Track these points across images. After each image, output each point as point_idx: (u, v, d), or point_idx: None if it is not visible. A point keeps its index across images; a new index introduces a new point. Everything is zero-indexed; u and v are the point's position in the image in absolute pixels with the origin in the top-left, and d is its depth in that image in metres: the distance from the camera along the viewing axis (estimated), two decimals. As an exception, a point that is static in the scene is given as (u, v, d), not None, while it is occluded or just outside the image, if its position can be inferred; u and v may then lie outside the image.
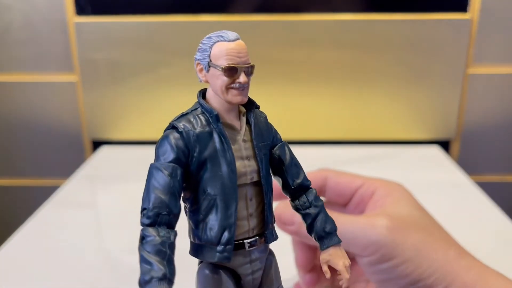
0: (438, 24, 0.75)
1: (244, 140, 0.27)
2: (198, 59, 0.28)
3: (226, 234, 0.26)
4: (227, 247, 0.26)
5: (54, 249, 0.52)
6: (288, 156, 0.29)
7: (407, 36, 0.76)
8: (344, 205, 0.42)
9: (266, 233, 0.28)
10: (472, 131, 0.82)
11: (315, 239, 0.29)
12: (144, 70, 0.78)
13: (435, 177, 0.70)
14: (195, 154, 0.26)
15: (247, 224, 0.27)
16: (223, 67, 0.26)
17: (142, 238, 0.24)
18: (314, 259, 0.41)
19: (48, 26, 0.77)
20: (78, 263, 0.49)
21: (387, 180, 0.41)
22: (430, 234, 0.35)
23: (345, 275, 0.28)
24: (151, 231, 0.24)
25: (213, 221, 0.26)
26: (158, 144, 0.27)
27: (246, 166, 0.27)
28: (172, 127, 0.27)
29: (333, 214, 0.36)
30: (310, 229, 0.29)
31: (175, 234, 0.25)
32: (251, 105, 0.29)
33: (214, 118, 0.26)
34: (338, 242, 0.29)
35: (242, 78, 0.26)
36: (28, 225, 0.57)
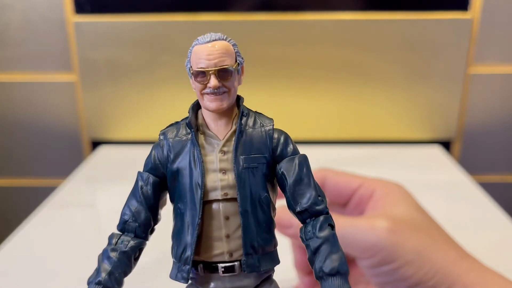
0: (439, 24, 0.75)
1: (222, 151, 0.25)
2: (186, 67, 0.26)
3: (186, 252, 0.24)
4: (185, 266, 0.24)
5: (54, 249, 0.52)
6: (294, 172, 0.25)
7: (408, 35, 0.76)
8: (343, 205, 0.42)
9: (243, 259, 0.24)
10: (473, 131, 0.81)
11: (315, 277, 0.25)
12: (144, 69, 0.78)
13: (436, 177, 0.69)
14: (168, 165, 0.25)
15: (222, 246, 0.24)
16: (192, 71, 0.25)
17: (107, 241, 0.26)
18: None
19: (47, 25, 0.77)
20: (78, 263, 0.49)
21: (386, 180, 0.40)
22: (431, 236, 0.35)
23: None
24: (114, 236, 0.26)
25: (178, 236, 0.25)
26: None
27: (218, 180, 0.24)
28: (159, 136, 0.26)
29: (333, 215, 0.35)
30: (310, 263, 0.25)
31: (137, 244, 0.25)
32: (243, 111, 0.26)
33: (188, 125, 0.25)
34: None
35: (212, 82, 0.24)
36: (27, 225, 0.57)
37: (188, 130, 0.25)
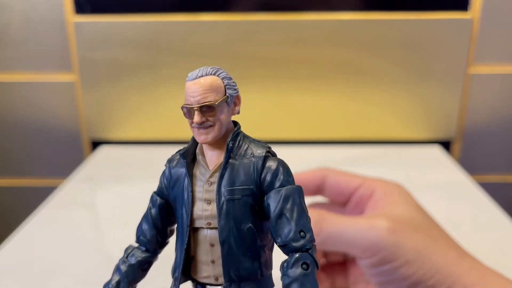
0: (439, 24, 0.75)
1: (209, 182, 0.26)
2: None
3: (176, 273, 0.26)
4: (174, 284, 0.26)
5: (54, 249, 0.52)
6: (277, 205, 0.24)
7: (407, 35, 0.76)
8: (343, 204, 0.42)
9: (224, 286, 0.25)
10: (473, 131, 0.81)
11: None
12: (144, 69, 0.78)
13: (436, 177, 0.69)
14: (169, 190, 0.27)
15: (209, 270, 0.26)
16: (181, 108, 0.26)
17: (124, 251, 0.29)
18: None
19: (47, 25, 0.77)
20: (77, 263, 0.49)
21: (386, 180, 0.40)
22: (431, 236, 0.35)
23: None
24: (129, 248, 0.28)
25: (175, 256, 0.27)
26: None
27: (203, 209, 0.26)
28: None
29: (332, 215, 0.36)
30: None
31: (145, 257, 0.28)
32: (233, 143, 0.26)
33: (182, 155, 0.27)
34: None
35: (196, 118, 0.25)
36: (27, 225, 0.57)
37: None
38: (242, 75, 0.77)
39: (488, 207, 0.60)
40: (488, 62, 0.78)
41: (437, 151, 0.80)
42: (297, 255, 0.24)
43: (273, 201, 0.24)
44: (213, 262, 0.26)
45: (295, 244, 0.24)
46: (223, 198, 0.25)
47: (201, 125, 0.25)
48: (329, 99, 0.80)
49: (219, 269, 0.25)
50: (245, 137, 0.27)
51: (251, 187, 0.25)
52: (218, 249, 0.25)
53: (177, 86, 0.78)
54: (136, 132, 0.82)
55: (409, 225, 0.35)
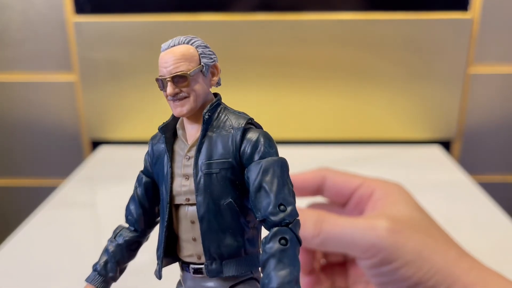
0: (439, 24, 0.75)
1: (187, 157, 0.25)
2: None
3: (158, 251, 0.26)
4: (157, 263, 0.26)
5: (54, 249, 0.52)
6: (256, 177, 0.23)
7: (407, 35, 0.76)
8: (343, 205, 0.42)
9: (205, 264, 0.24)
10: (473, 131, 0.81)
11: None
12: (144, 69, 0.78)
13: (436, 177, 0.69)
14: (152, 168, 0.27)
15: (192, 248, 0.25)
16: (156, 80, 0.25)
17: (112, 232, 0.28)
18: (313, 262, 0.40)
19: (47, 25, 0.76)
20: (77, 263, 0.49)
21: (385, 180, 0.40)
22: (431, 236, 0.35)
23: None
24: (118, 228, 0.28)
25: (158, 234, 0.26)
26: None
27: (181, 185, 0.25)
28: None
29: (332, 215, 0.35)
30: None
31: (132, 237, 0.27)
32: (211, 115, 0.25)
33: (160, 130, 0.26)
34: None
35: (168, 89, 0.24)
36: (27, 225, 0.57)
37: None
38: (242, 75, 0.77)
39: (488, 207, 0.60)
40: (488, 62, 0.78)
41: (437, 151, 0.79)
42: (275, 229, 0.22)
43: (253, 174, 0.23)
44: (194, 240, 0.24)
45: (273, 218, 0.22)
46: (200, 173, 0.24)
47: (175, 97, 0.24)
48: (329, 99, 0.80)
49: (200, 247, 0.24)
50: (226, 108, 0.25)
51: (230, 160, 0.24)
52: (198, 226, 0.24)
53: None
54: (136, 132, 0.82)
55: (409, 226, 0.35)
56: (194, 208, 0.24)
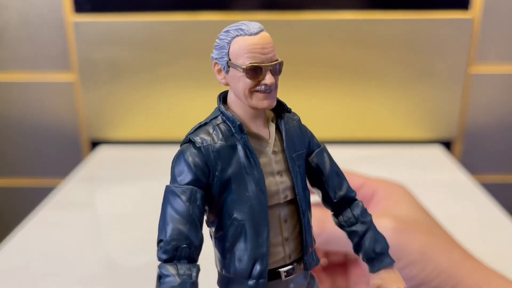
0: (440, 23, 0.75)
1: (274, 152, 0.23)
2: (216, 58, 0.23)
3: (257, 266, 0.22)
4: (260, 281, 0.22)
5: (53, 249, 0.51)
6: (327, 164, 0.25)
7: (408, 35, 0.75)
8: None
9: (305, 259, 0.24)
10: (474, 130, 0.81)
11: (364, 260, 0.25)
12: (143, 69, 0.78)
13: (437, 177, 0.69)
14: (216, 173, 0.22)
15: (283, 251, 0.23)
16: (245, 67, 0.21)
17: (159, 277, 0.21)
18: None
19: (46, 25, 0.76)
20: (76, 264, 0.48)
21: (387, 180, 0.40)
22: (434, 237, 0.34)
23: None
24: (169, 268, 0.21)
25: (241, 251, 0.22)
26: (173, 162, 0.23)
27: (278, 183, 0.23)
28: (188, 140, 0.23)
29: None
30: (357, 248, 0.25)
31: (198, 270, 0.21)
32: (281, 109, 0.24)
33: (237, 128, 0.22)
34: (391, 264, 0.24)
35: (268, 79, 0.22)
36: (26, 225, 0.56)
37: (226, 133, 0.22)
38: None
39: (489, 207, 0.60)
40: (489, 62, 0.78)
41: (438, 151, 0.79)
42: (360, 204, 0.25)
43: (323, 161, 0.25)
44: (286, 239, 0.23)
45: (351, 195, 0.25)
46: (295, 166, 0.23)
47: (270, 88, 0.22)
48: (330, 99, 0.79)
49: (291, 246, 0.23)
50: None
51: (304, 150, 0.25)
52: (291, 223, 0.23)
53: (176, 85, 0.78)
54: (135, 132, 0.82)
55: (413, 226, 0.34)
56: (286, 206, 0.23)
